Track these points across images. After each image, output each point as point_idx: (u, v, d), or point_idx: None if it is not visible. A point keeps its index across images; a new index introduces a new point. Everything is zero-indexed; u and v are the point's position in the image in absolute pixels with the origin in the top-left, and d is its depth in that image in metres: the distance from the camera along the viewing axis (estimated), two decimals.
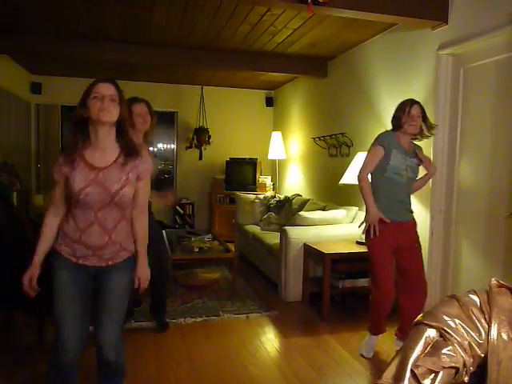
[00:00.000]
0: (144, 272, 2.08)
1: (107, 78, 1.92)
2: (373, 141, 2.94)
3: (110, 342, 2.04)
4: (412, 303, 2.92)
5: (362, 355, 3.02)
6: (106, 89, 1.88)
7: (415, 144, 3.02)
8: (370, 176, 2.95)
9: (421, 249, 2.99)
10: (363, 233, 2.97)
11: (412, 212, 3.01)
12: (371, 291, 2.96)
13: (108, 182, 1.89)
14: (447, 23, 3.38)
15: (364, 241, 3.07)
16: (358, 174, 2.93)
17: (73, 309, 1.99)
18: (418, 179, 3.06)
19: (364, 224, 2.92)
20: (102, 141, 1.91)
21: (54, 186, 1.97)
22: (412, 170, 2.91)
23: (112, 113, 1.88)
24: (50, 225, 1.97)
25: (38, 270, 1.95)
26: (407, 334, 3.14)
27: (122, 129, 1.95)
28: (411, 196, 3.03)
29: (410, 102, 2.85)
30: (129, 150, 1.95)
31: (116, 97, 1.90)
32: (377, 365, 2.91)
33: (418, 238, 3.00)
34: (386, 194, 2.88)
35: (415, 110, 2.82)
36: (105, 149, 1.93)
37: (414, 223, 3.00)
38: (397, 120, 2.87)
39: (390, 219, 2.83)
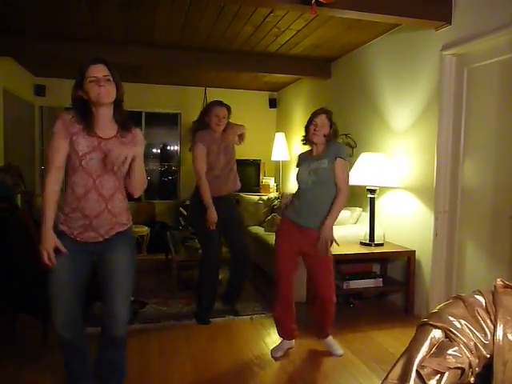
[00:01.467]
0: None
1: (97, 59, 2.02)
2: None
3: (121, 319, 2.17)
4: (319, 308, 3.03)
5: (272, 355, 3.04)
6: (100, 70, 1.98)
7: (333, 146, 2.91)
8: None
9: (329, 259, 2.90)
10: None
11: (319, 221, 2.84)
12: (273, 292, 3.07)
13: (110, 150, 2.00)
14: (451, 24, 3.37)
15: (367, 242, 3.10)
16: None
17: (66, 294, 2.09)
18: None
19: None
20: (102, 117, 2.05)
21: (55, 149, 2.04)
22: (316, 172, 2.86)
23: (110, 93, 2.00)
24: (52, 189, 2.03)
25: (52, 238, 2.00)
26: (321, 333, 3.08)
27: (118, 104, 2.08)
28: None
29: (314, 113, 2.95)
30: (124, 125, 2.10)
31: (110, 76, 2.00)
32: (382, 366, 2.90)
33: (324, 248, 2.84)
34: (297, 198, 2.95)
35: (317, 121, 2.89)
36: (105, 124, 2.06)
37: (318, 234, 2.84)
38: (306, 128, 2.96)
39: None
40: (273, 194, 6.45)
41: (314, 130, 2.89)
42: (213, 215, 3.36)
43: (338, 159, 2.85)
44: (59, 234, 2.07)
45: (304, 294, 4.08)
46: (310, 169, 2.90)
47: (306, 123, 2.98)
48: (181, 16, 3.95)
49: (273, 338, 3.35)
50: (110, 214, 2.08)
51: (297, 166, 3.08)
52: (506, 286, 1.19)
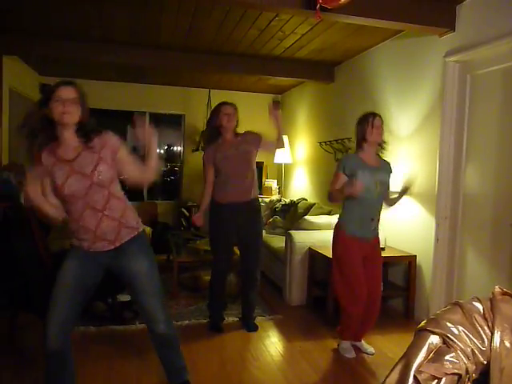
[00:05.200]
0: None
1: (68, 82, 2.04)
2: (337, 162, 3.05)
3: (160, 320, 2.24)
4: (367, 314, 3.06)
5: (346, 356, 3.10)
6: (68, 92, 2.00)
7: (384, 160, 3.09)
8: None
9: (381, 265, 3.14)
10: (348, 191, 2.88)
11: (377, 229, 3.08)
12: (346, 299, 3.02)
13: (83, 168, 2.03)
14: (454, 30, 3.39)
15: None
16: (327, 198, 3.05)
17: (66, 297, 2.09)
18: (397, 195, 3.12)
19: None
20: (67, 138, 2.05)
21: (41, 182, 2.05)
22: (382, 184, 2.97)
23: (73, 115, 2.01)
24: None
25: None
26: (360, 335, 3.15)
27: (82, 126, 2.06)
28: (388, 207, 3.18)
29: (373, 114, 2.96)
30: (88, 135, 2.07)
31: (78, 99, 2.02)
32: (381, 370, 2.91)
33: (380, 253, 3.15)
34: (359, 211, 2.96)
35: (378, 122, 2.93)
36: (71, 144, 2.06)
37: (378, 240, 3.13)
38: (361, 133, 2.95)
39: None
40: (275, 197, 6.47)
41: (377, 130, 2.91)
42: (196, 219, 3.48)
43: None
44: (72, 248, 2.15)
45: (304, 297, 4.11)
46: (376, 179, 2.92)
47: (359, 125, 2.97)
48: (187, 19, 3.97)
49: (272, 341, 3.36)
50: (110, 219, 2.09)
51: (345, 174, 2.92)
52: (503, 293, 1.20)
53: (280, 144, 3.44)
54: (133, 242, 2.16)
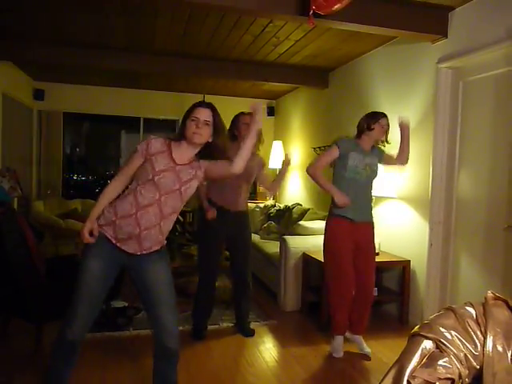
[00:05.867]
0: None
1: (205, 103, 2.19)
2: (333, 142, 3.15)
3: (173, 332, 2.19)
4: (362, 301, 3.11)
5: (335, 355, 3.14)
6: (203, 113, 2.14)
7: (379, 148, 3.22)
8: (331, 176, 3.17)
9: (375, 251, 3.22)
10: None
11: (371, 215, 3.19)
12: (331, 289, 3.10)
13: (182, 174, 2.13)
14: (447, 37, 3.42)
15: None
16: (307, 169, 3.12)
17: (92, 300, 2.14)
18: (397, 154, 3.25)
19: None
20: (186, 150, 2.18)
21: (132, 160, 2.14)
22: (372, 168, 3.10)
23: (203, 136, 2.14)
24: (113, 188, 2.15)
25: (95, 223, 2.11)
26: (359, 327, 3.15)
27: (211, 148, 2.19)
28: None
29: (382, 114, 3.11)
30: (203, 154, 2.20)
31: (210, 120, 2.14)
32: (375, 375, 2.91)
33: (373, 240, 3.20)
34: (349, 194, 3.02)
35: (384, 121, 3.08)
36: (185, 154, 2.18)
37: (372, 227, 3.19)
38: (367, 125, 3.06)
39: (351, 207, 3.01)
40: (269, 202, 6.47)
41: (382, 129, 3.06)
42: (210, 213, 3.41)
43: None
44: (101, 238, 2.10)
45: (299, 303, 4.10)
46: (366, 162, 3.06)
47: (362, 122, 3.11)
48: (181, 25, 3.98)
49: (267, 346, 3.35)
50: (159, 232, 2.13)
51: (339, 149, 3.03)
52: (496, 298, 1.21)
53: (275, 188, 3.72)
54: (155, 251, 2.17)
